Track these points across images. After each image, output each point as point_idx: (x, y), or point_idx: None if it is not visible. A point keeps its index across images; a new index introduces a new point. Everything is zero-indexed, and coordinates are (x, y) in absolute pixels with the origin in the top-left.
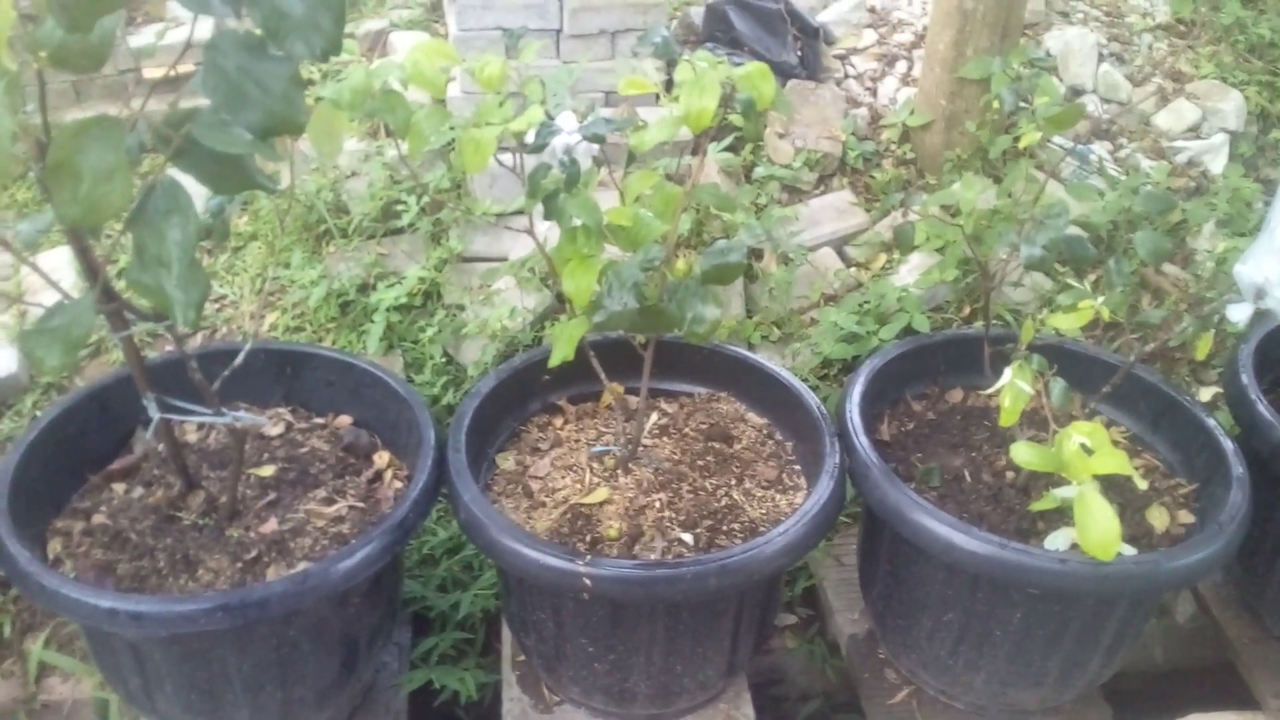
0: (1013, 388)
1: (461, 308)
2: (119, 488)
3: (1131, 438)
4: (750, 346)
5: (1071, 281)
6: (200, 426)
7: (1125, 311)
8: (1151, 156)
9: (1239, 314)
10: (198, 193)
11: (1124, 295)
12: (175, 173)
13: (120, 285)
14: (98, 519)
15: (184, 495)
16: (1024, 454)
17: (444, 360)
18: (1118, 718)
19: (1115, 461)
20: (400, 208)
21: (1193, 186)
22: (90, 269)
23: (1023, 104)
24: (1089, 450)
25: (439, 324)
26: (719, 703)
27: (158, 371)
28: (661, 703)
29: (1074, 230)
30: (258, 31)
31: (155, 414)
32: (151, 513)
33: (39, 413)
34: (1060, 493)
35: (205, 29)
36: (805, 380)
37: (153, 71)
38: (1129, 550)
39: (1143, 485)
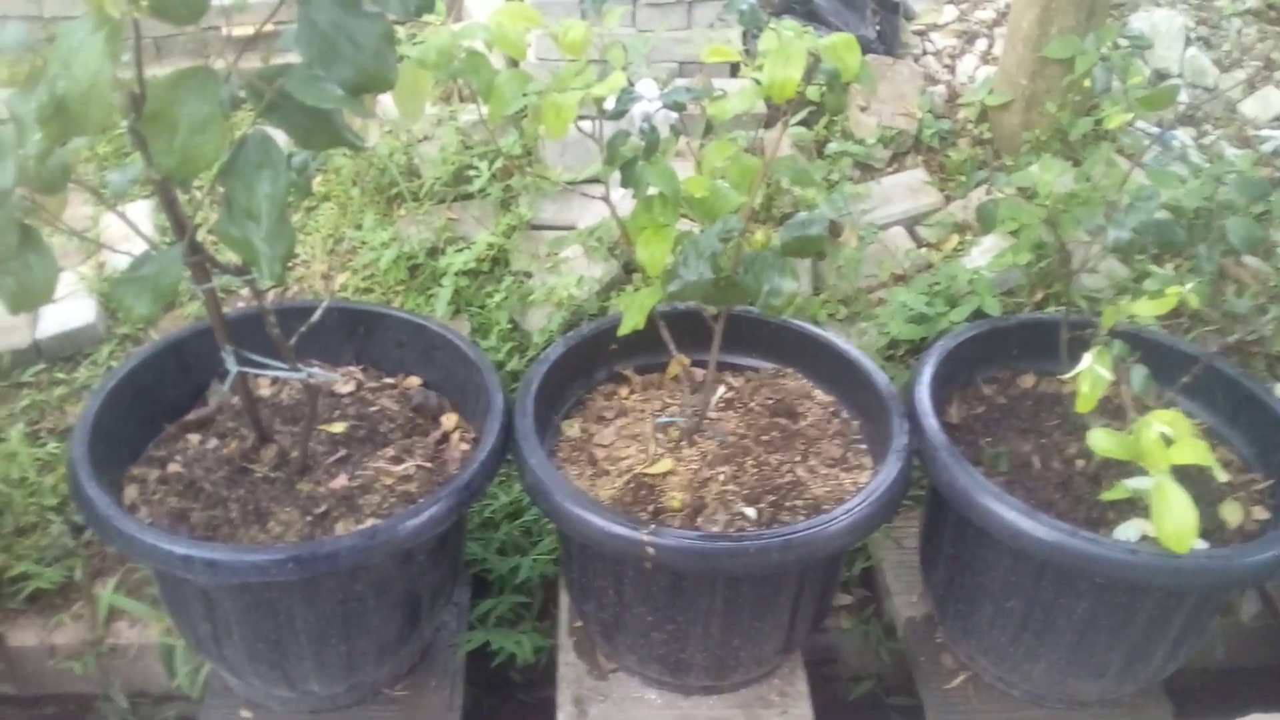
0: (1091, 373)
1: (529, 275)
2: (194, 438)
3: (1207, 430)
4: (816, 324)
5: (1153, 268)
6: (274, 381)
7: (1205, 302)
8: (1237, 144)
9: None
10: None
11: (1206, 284)
12: (266, 129)
13: (201, 238)
14: (173, 468)
15: (256, 448)
16: (1102, 441)
17: (510, 327)
18: (1178, 714)
19: (1196, 452)
20: (471, 173)
21: (1278, 177)
22: (178, 221)
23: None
24: (1168, 440)
25: (506, 290)
26: (773, 678)
27: (234, 326)
28: (716, 675)
29: (1163, 214)
30: None
31: (233, 367)
32: (225, 464)
33: (114, 363)
34: (1134, 483)
35: None
36: (871, 360)
37: (240, 29)
38: (1201, 544)
39: (1223, 477)
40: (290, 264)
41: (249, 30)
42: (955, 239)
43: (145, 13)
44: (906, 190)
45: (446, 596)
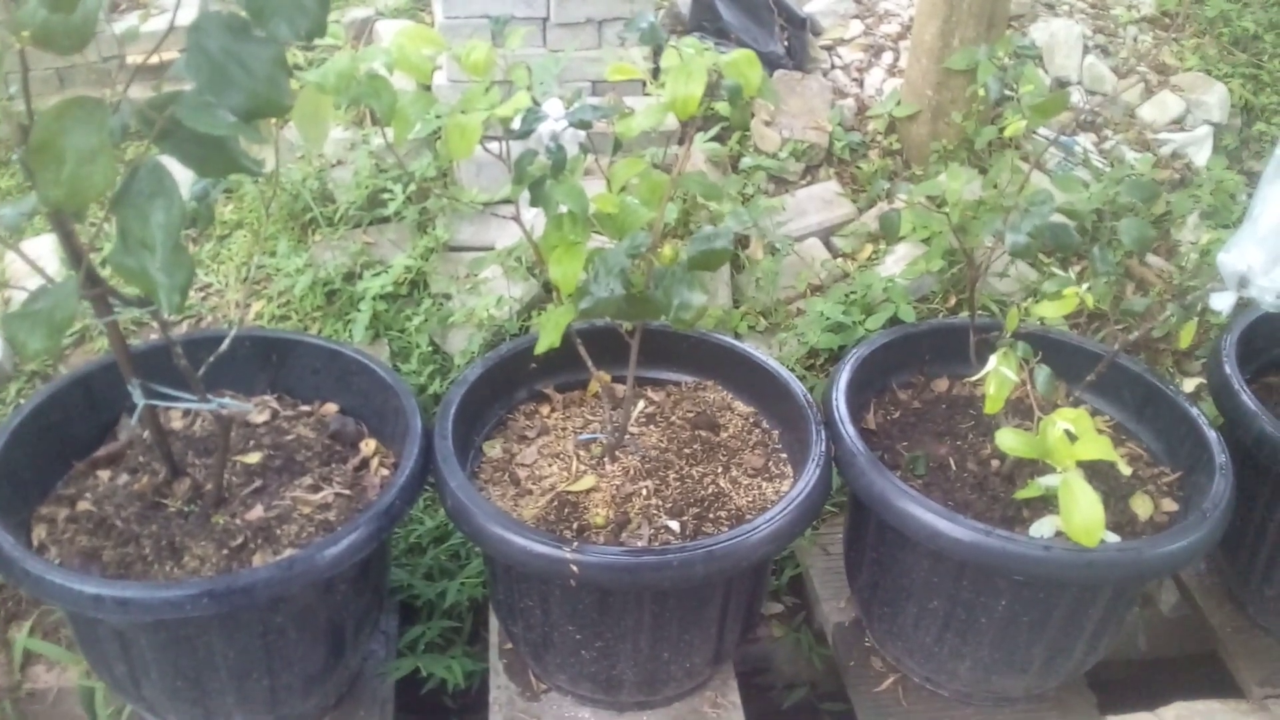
0: (997, 375)
1: (448, 297)
2: (104, 474)
3: (1115, 426)
4: (737, 336)
5: (1056, 271)
6: (185, 413)
7: (1110, 302)
8: (1136, 148)
9: (1222, 302)
10: (183, 179)
11: (1109, 285)
12: (161, 158)
13: (105, 271)
14: (82, 506)
15: (169, 482)
16: (1009, 440)
17: (430, 349)
18: (1102, 706)
19: (1099, 447)
20: (386, 196)
21: (1177, 178)
22: (74, 253)
23: (1008, 93)
24: (1073, 436)
25: (425, 313)
26: (705, 690)
27: (143, 358)
28: (648, 690)
29: (1059, 218)
30: (242, 13)
31: (140, 400)
32: (137, 499)
33: (22, 401)
34: (1045, 481)
35: (188, 14)
36: (791, 370)
37: (136, 57)
38: (1113, 537)
39: (1126, 471)
40: (203, 293)
41: (154, 59)
42: (869, 249)
43: (28, 43)
44: (820, 202)
45: (372, 625)
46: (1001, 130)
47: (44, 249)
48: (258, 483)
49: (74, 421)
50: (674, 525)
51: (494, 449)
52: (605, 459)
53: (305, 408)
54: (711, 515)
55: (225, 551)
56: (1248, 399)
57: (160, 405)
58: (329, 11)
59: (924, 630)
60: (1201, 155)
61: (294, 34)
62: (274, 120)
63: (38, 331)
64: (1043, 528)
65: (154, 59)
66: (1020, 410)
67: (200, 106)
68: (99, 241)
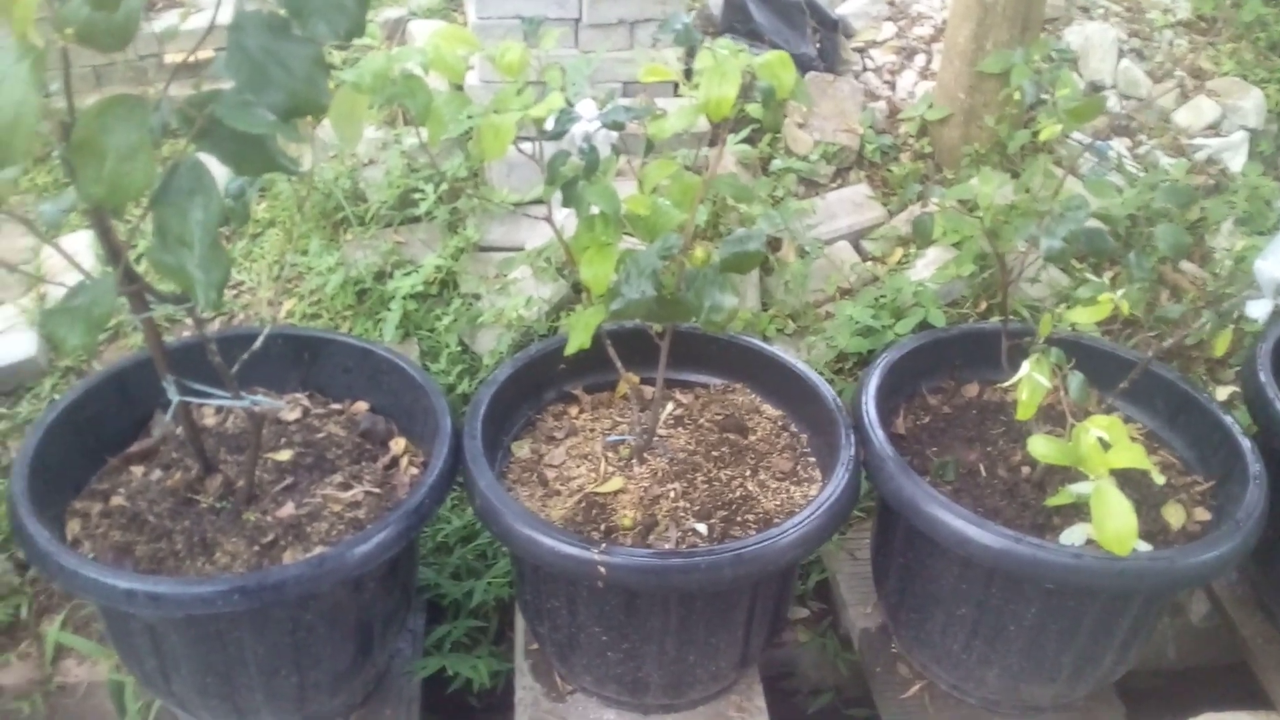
0: (1030, 381)
1: (478, 297)
2: (137, 470)
3: (1148, 434)
4: (766, 339)
5: (1090, 276)
6: (218, 410)
7: (1143, 309)
8: (1171, 153)
9: (1258, 310)
10: (218, 176)
11: (1142, 291)
12: (199, 155)
13: (141, 268)
14: (116, 501)
15: (201, 478)
16: (1041, 447)
17: (459, 349)
18: (1131, 716)
19: (1132, 455)
20: (418, 196)
21: (1212, 184)
22: (112, 250)
23: (1043, 97)
24: (1106, 444)
25: (455, 313)
26: (731, 694)
27: (176, 355)
28: (674, 693)
29: (1094, 223)
30: (281, 12)
31: (174, 396)
32: (169, 495)
33: (57, 396)
34: (1076, 488)
35: (227, 14)
36: (820, 373)
37: (175, 56)
38: (1144, 546)
39: (1159, 479)
40: (235, 291)
41: (192, 57)
42: (900, 252)
43: (71, 40)
44: (851, 205)
45: (400, 623)
46: (1035, 134)
47: (79, 245)
48: (289, 480)
49: (108, 417)
50: (702, 528)
51: (522, 449)
52: (633, 461)
53: (336, 406)
54: (739, 518)
55: (256, 548)
56: None
57: (194, 402)
58: (367, 11)
59: (951, 637)
60: (1237, 161)
61: (333, 33)
62: (309, 119)
63: (77, 327)
64: (1073, 535)
65: (192, 57)
66: (1052, 417)
67: (240, 105)
68: (135, 238)
